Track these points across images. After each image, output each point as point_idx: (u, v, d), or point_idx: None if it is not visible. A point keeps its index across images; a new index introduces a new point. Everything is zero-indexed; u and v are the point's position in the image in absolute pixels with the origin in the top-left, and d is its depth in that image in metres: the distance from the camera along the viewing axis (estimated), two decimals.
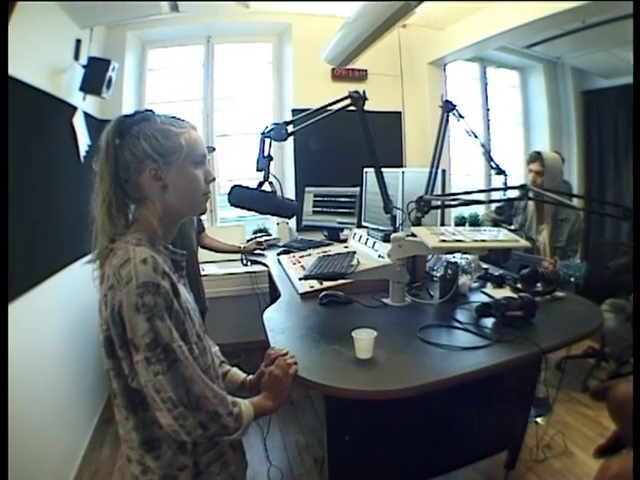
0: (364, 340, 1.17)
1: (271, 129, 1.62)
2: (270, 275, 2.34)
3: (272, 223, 3.53)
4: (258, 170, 1.61)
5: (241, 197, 1.51)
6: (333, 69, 3.26)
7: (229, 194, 1.50)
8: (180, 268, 0.95)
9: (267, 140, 1.61)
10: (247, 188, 1.52)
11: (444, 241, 1.42)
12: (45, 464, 1.73)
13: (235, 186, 1.50)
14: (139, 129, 0.88)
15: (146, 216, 0.89)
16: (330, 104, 1.72)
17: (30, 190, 1.69)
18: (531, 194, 1.67)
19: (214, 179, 0.97)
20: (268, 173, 1.59)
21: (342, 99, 1.72)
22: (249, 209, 1.57)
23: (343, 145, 3.14)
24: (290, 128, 1.64)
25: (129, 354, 0.79)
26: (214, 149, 3.02)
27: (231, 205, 1.52)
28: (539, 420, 2.24)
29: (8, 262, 1.40)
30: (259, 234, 3.19)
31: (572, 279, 1.89)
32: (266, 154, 1.61)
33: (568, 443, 2.11)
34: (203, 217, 2.83)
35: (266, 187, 1.56)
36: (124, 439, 0.90)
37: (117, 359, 0.82)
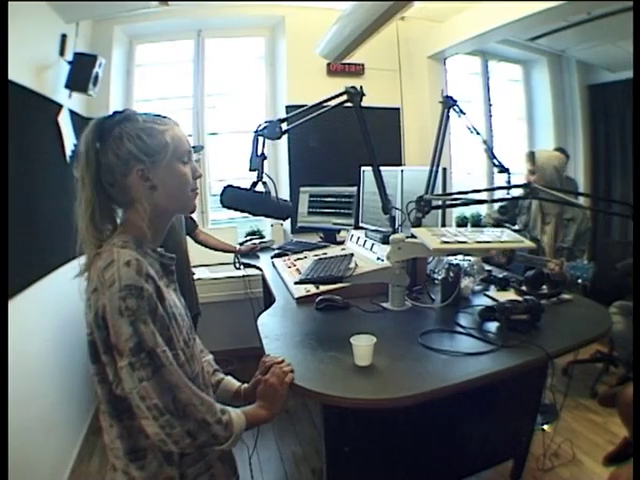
0: (363, 347, 1.15)
1: (264, 127, 1.60)
2: (264, 279, 2.33)
3: (266, 225, 3.48)
4: (251, 170, 1.59)
5: (234, 198, 1.49)
6: (329, 64, 3.22)
7: (221, 195, 1.49)
8: (169, 272, 0.94)
9: (260, 138, 1.60)
10: (240, 189, 1.50)
11: (446, 242, 1.39)
12: (32, 477, 1.69)
13: (227, 186, 1.49)
14: (121, 130, 0.85)
15: (135, 219, 0.88)
16: (326, 100, 1.70)
17: (13, 191, 1.63)
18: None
19: (200, 175, 0.97)
20: (262, 173, 1.57)
21: (338, 95, 1.70)
22: (242, 210, 1.56)
23: (339, 143, 3.11)
24: (284, 126, 1.62)
25: (113, 360, 0.79)
26: (202, 147, 2.95)
27: (223, 206, 1.51)
28: (546, 427, 2.21)
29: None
30: (252, 236, 3.15)
31: (579, 281, 1.88)
32: (259, 153, 1.59)
33: (576, 451, 2.08)
34: (194, 216, 2.77)
35: (260, 187, 1.54)
36: (109, 447, 0.89)
37: (101, 364, 0.82)
